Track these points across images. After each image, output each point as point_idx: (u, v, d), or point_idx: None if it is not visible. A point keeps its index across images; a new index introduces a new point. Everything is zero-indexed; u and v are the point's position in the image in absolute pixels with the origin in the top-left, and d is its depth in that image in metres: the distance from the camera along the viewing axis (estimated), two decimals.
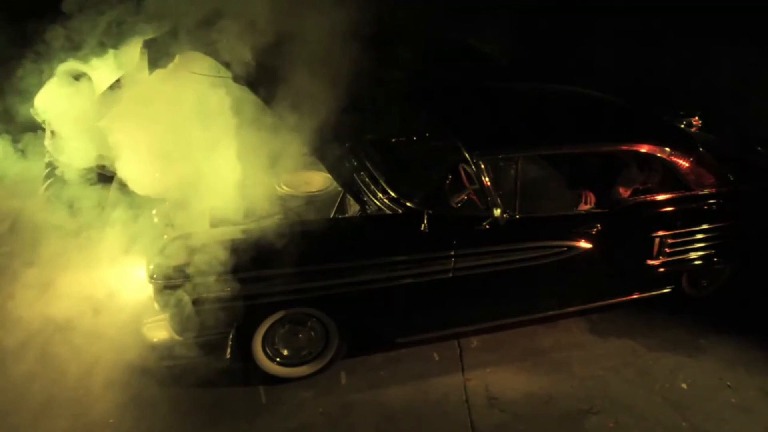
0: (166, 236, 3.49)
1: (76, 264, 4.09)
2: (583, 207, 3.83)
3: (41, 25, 3.59)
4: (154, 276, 3.16)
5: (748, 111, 6.14)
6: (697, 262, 4.05)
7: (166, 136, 3.54)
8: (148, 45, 3.50)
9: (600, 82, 4.89)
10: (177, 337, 3.29)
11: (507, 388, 3.59)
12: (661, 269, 3.95)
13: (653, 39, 7.39)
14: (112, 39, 3.75)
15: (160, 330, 3.36)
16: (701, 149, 4.08)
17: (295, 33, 3.48)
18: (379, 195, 3.58)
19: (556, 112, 4.24)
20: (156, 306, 3.25)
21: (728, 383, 3.69)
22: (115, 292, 4.04)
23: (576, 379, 3.69)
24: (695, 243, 3.97)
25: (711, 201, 3.99)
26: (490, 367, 3.75)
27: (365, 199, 3.63)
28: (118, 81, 3.77)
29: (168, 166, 3.63)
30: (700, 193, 3.96)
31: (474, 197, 3.75)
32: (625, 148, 3.86)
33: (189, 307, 3.18)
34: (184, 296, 3.16)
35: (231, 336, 3.32)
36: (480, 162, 3.48)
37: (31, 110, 3.96)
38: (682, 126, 4.71)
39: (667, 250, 3.88)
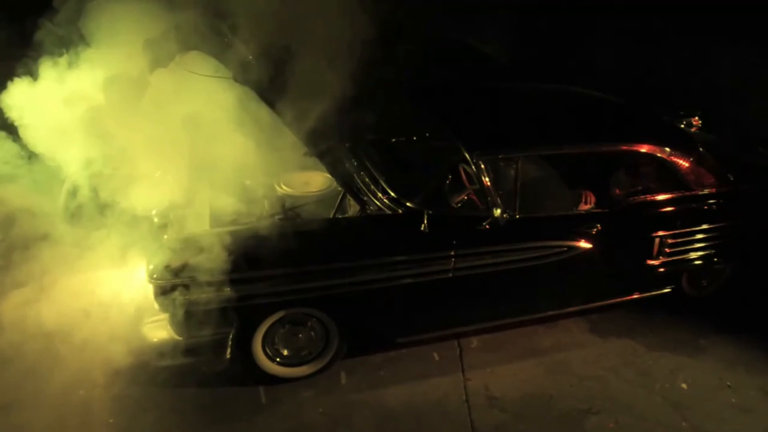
0: (166, 236, 3.50)
1: (77, 264, 4.10)
2: (583, 207, 3.82)
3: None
4: (154, 276, 3.16)
5: (748, 111, 6.14)
6: (697, 262, 4.05)
7: (167, 137, 3.54)
8: (148, 45, 3.50)
9: (600, 82, 4.89)
10: (177, 337, 3.29)
11: (507, 388, 3.60)
12: (661, 269, 3.95)
13: (653, 39, 7.39)
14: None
15: (160, 330, 3.36)
16: (701, 149, 4.08)
17: (294, 33, 3.47)
18: (379, 195, 3.58)
19: (556, 112, 4.24)
20: (156, 306, 3.25)
21: (728, 383, 3.69)
22: (115, 292, 4.04)
23: (576, 379, 3.69)
24: (695, 243, 3.97)
25: (711, 201, 3.99)
26: (490, 367, 3.75)
27: (365, 199, 3.63)
28: (110, 80, 3.73)
29: (168, 167, 3.64)
30: (700, 193, 3.96)
31: (474, 197, 3.75)
32: (625, 148, 3.85)
33: (189, 308, 3.18)
34: (184, 296, 3.16)
35: (231, 336, 3.32)
36: (480, 162, 3.48)
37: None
38: (682, 126, 4.71)
39: (667, 250, 3.88)
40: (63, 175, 3.83)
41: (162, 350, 3.33)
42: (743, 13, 6.56)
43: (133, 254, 3.85)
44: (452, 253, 3.43)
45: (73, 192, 3.78)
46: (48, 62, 3.60)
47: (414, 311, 3.59)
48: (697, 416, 3.45)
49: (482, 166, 3.48)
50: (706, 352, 3.94)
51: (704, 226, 3.96)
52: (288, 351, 3.55)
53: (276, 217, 3.90)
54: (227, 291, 3.17)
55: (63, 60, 3.60)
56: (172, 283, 3.15)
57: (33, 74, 3.63)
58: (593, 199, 3.86)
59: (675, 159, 3.88)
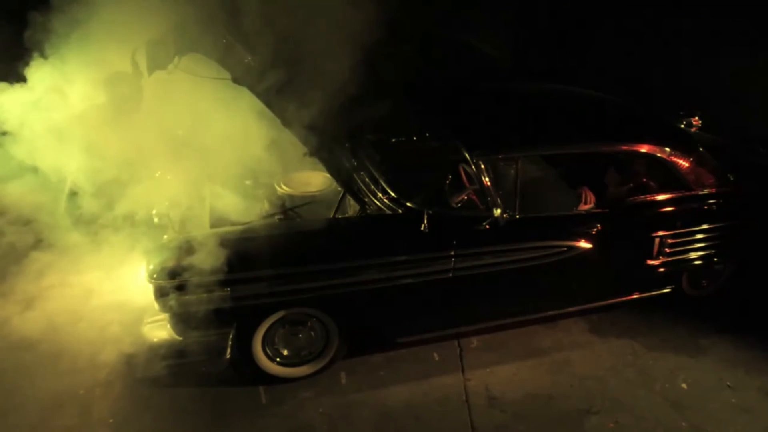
0: (166, 236, 3.50)
1: (77, 264, 4.10)
2: (583, 207, 3.82)
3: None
4: (154, 276, 3.16)
5: (748, 111, 6.13)
6: (697, 262, 4.05)
7: (166, 137, 3.54)
8: (148, 46, 3.49)
9: (600, 82, 4.89)
10: (177, 337, 3.29)
11: (507, 388, 3.59)
12: (661, 269, 3.95)
13: (654, 39, 7.39)
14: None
15: (160, 330, 3.36)
16: (701, 149, 4.08)
17: (294, 33, 3.47)
18: (379, 195, 3.58)
19: (556, 112, 4.24)
20: (156, 306, 3.25)
21: (728, 383, 3.69)
22: (115, 292, 4.05)
23: (576, 379, 3.69)
24: (695, 243, 3.97)
25: (711, 201, 3.99)
26: (490, 367, 3.75)
27: (365, 199, 3.63)
28: (109, 80, 3.72)
29: (168, 167, 3.64)
30: (700, 193, 3.96)
31: (474, 197, 3.75)
32: (625, 148, 3.85)
33: (189, 307, 3.18)
34: (184, 296, 3.16)
35: (231, 336, 3.32)
36: (480, 162, 3.48)
37: None
38: (682, 126, 4.71)
39: (667, 250, 3.88)
40: (63, 175, 3.83)
41: (162, 350, 3.33)
42: (743, 14, 6.56)
43: (133, 255, 3.85)
44: (452, 253, 3.43)
45: (74, 193, 3.78)
46: (44, 64, 3.60)
47: (414, 311, 3.59)
48: (697, 416, 3.45)
49: (482, 166, 3.48)
50: (706, 352, 3.94)
51: (704, 226, 3.96)
52: (288, 351, 3.55)
53: (276, 217, 3.90)
54: (227, 291, 3.17)
55: (58, 61, 3.59)
56: (172, 284, 3.15)
57: (28, 76, 3.62)
58: (593, 199, 3.86)
59: (675, 159, 3.88)
